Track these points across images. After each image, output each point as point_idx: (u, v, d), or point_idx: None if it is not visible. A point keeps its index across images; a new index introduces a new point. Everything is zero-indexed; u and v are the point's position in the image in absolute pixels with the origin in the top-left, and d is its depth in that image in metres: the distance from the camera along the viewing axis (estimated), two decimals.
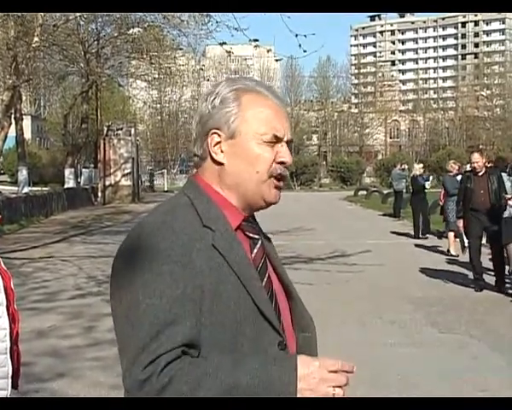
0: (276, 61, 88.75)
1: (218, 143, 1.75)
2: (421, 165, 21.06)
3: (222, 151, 1.75)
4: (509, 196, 10.33)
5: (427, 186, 18.95)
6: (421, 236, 18.38)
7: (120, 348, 1.61)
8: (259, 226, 1.86)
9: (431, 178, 22.28)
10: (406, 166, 26.86)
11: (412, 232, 18.76)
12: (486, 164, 11.48)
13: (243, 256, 1.71)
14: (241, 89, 1.78)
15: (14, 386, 3.07)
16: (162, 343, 1.53)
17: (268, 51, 56.50)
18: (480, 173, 10.76)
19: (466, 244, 11.30)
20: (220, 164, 1.76)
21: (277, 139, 1.76)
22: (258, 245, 1.79)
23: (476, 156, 10.92)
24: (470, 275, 11.13)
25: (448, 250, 14.88)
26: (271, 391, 1.54)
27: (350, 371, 1.59)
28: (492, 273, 10.88)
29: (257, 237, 1.80)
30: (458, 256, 13.74)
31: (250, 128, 1.75)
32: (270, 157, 1.75)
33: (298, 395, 1.54)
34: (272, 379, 1.54)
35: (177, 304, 1.57)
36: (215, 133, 1.75)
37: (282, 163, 1.77)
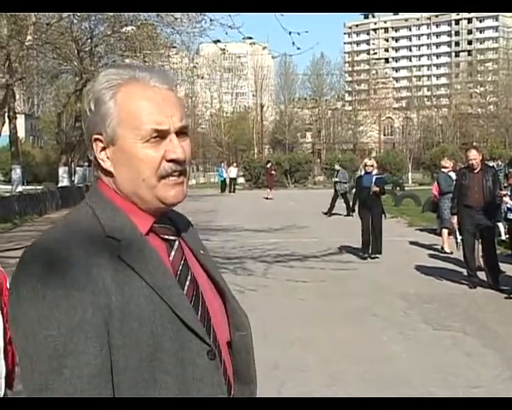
0: (273, 58, 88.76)
1: (104, 149, 1.56)
2: (373, 161, 14.96)
3: (108, 158, 1.56)
4: (503, 193, 10.35)
5: (374, 189, 13.96)
6: (372, 255, 14.02)
7: (22, 379, 1.45)
8: (179, 225, 1.68)
9: (386, 177, 16.49)
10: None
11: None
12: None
13: (157, 264, 1.52)
14: (116, 82, 1.55)
15: (9, 386, 3.06)
16: (67, 379, 1.38)
17: (264, 49, 56.42)
18: (476, 170, 10.76)
19: (459, 240, 11.29)
20: (109, 172, 1.56)
21: (162, 133, 1.53)
22: (175, 247, 1.61)
23: (474, 153, 10.88)
24: (464, 272, 11.14)
25: (442, 247, 14.88)
26: None
27: None
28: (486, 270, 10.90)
29: (173, 238, 1.62)
30: (452, 253, 13.75)
31: (128, 129, 1.53)
32: (155, 158, 1.53)
33: None
34: None
35: (77, 332, 1.39)
36: (98, 139, 1.55)
37: (172, 160, 1.54)
